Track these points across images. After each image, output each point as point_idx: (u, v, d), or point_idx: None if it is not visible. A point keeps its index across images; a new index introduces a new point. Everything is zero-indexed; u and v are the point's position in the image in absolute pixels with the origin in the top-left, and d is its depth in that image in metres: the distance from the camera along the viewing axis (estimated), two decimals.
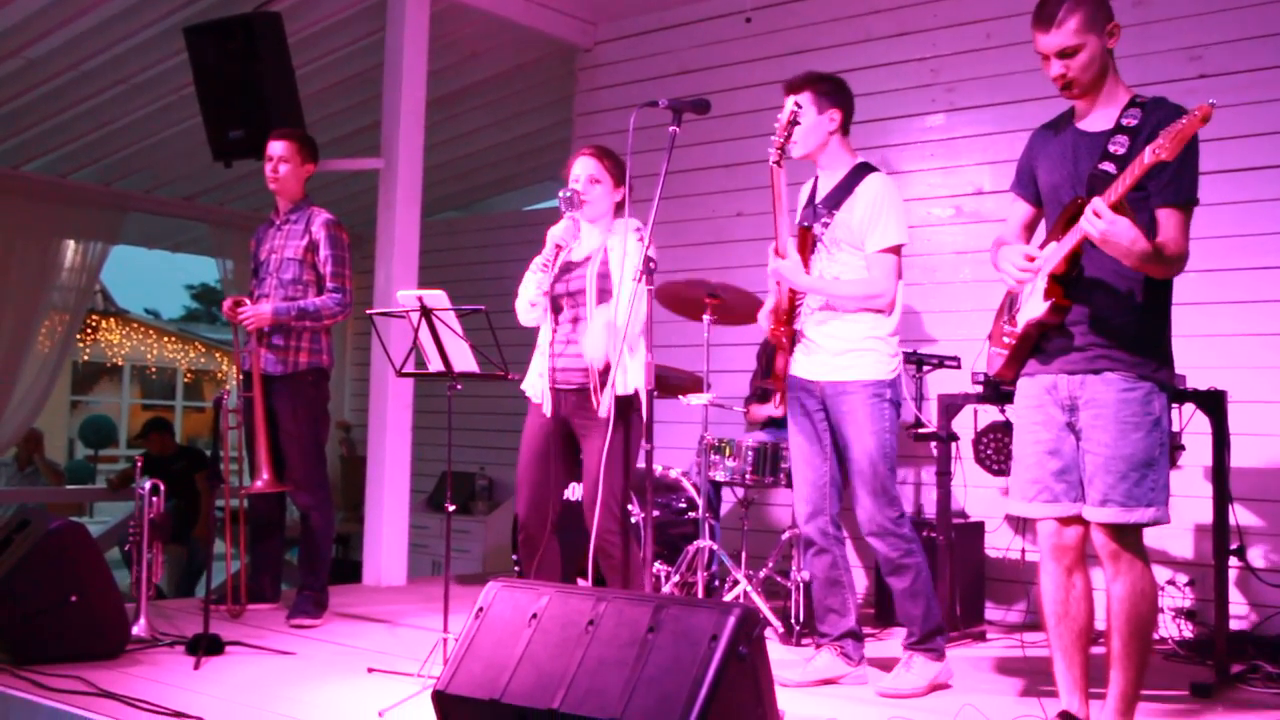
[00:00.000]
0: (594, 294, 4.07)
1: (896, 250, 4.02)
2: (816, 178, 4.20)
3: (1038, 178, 3.32)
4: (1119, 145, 3.07)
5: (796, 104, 3.93)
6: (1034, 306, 3.14)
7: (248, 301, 5.13)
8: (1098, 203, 2.88)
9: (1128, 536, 3.09)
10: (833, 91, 4.11)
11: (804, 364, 4.12)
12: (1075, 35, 3.06)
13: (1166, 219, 3.03)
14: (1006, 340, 3.28)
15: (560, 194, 4.10)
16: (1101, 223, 2.87)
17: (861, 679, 4.12)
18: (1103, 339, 3.10)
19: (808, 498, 4.14)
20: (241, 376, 5.16)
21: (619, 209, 4.26)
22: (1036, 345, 3.22)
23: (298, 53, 6.45)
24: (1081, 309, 3.11)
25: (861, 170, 4.09)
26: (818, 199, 4.13)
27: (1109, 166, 3.05)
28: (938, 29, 6.13)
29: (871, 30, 6.33)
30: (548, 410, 4.16)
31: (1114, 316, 3.10)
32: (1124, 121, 3.10)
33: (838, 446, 4.09)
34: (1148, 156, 2.80)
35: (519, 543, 4.39)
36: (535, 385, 4.22)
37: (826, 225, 4.04)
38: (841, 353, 4.01)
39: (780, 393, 4.26)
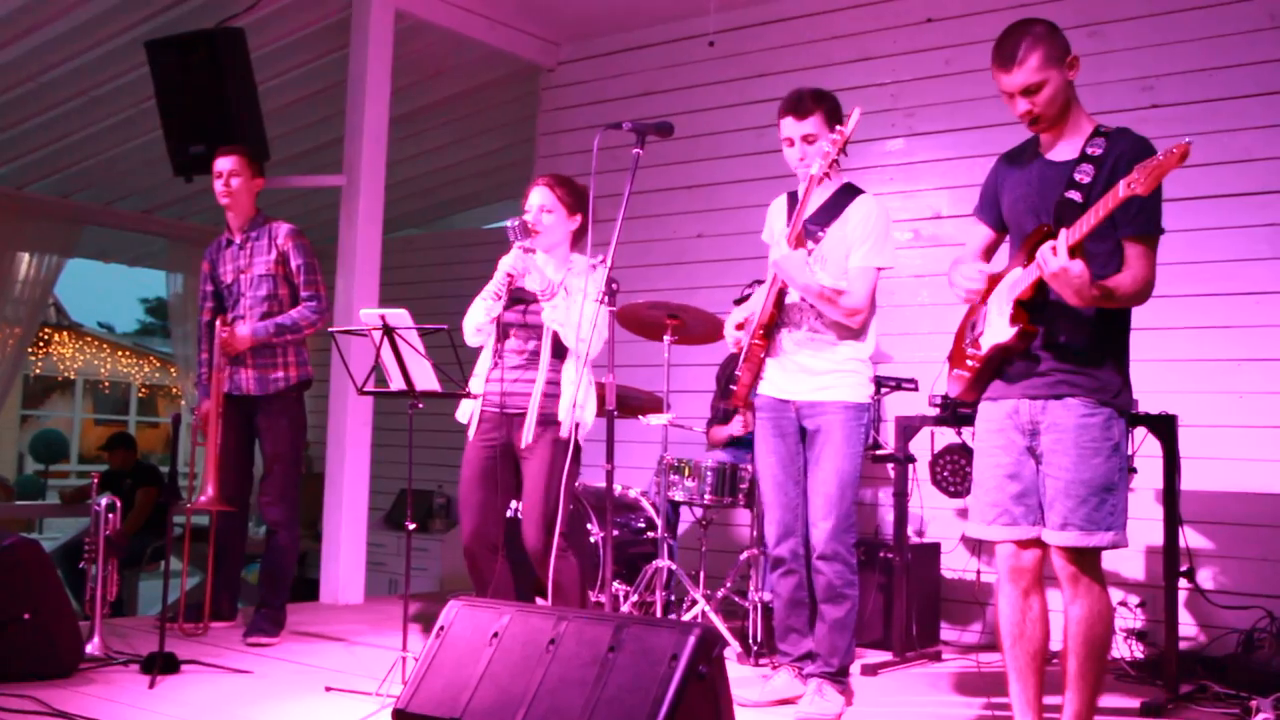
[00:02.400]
0: (550, 334, 4.20)
1: (877, 271, 4.00)
2: (794, 193, 4.13)
3: (1002, 204, 3.36)
4: (1084, 174, 3.11)
5: (842, 128, 3.84)
6: (999, 331, 3.19)
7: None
8: (1058, 241, 2.93)
9: (1087, 560, 3.14)
10: (838, 110, 4.03)
11: (779, 382, 4.06)
12: (1037, 72, 3.10)
13: (1132, 250, 3.08)
14: (970, 363, 3.32)
15: (509, 224, 4.19)
16: (1056, 261, 2.92)
17: None
18: (1065, 364, 3.14)
19: (780, 519, 4.08)
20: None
21: (578, 236, 4.37)
22: (999, 369, 3.27)
23: (260, 68, 6.44)
24: (1047, 333, 3.15)
25: (851, 190, 4.07)
26: (806, 215, 4.02)
27: (1075, 195, 3.10)
28: (898, 55, 6.21)
29: (832, 55, 6.40)
30: (472, 433, 4.29)
31: (1076, 342, 3.14)
32: (1089, 151, 3.14)
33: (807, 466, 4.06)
34: (1121, 190, 2.84)
35: (467, 566, 4.41)
36: (469, 408, 4.32)
37: (818, 241, 3.98)
38: (823, 373, 3.97)
39: (742, 407, 4.25)
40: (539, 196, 4.32)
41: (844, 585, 3.98)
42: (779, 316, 4.06)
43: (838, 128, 3.84)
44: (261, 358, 5.07)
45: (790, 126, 4.00)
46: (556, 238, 4.32)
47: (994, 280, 3.30)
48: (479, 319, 4.27)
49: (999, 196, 3.38)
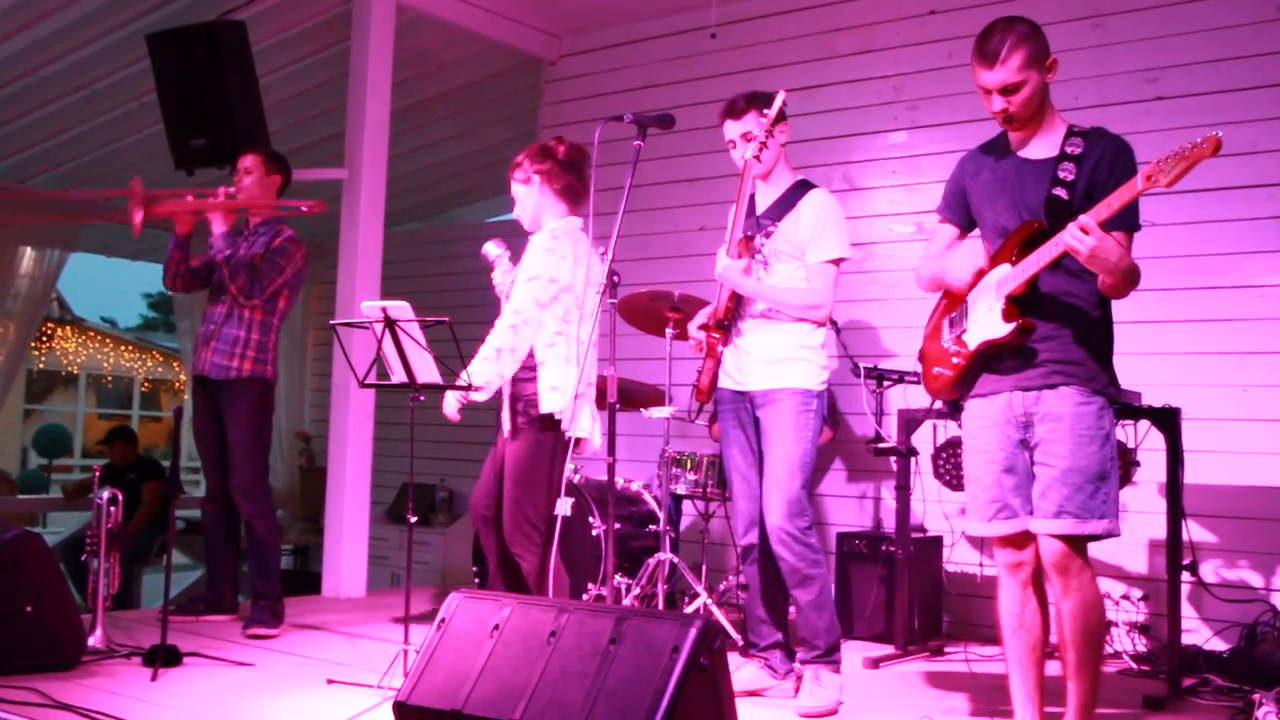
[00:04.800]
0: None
1: (837, 263, 4.06)
2: (753, 194, 4.19)
3: (971, 202, 3.38)
4: (1067, 172, 3.14)
5: (784, 104, 3.91)
6: (992, 327, 3.18)
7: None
8: (1087, 220, 2.91)
9: (1079, 549, 3.14)
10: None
11: (735, 374, 4.12)
12: (1018, 72, 3.12)
13: (1122, 241, 3.09)
14: (955, 361, 3.31)
15: (486, 255, 4.30)
16: (1090, 239, 2.90)
17: (788, 692, 4.12)
18: (1057, 356, 3.15)
19: (744, 511, 4.14)
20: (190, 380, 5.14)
21: (557, 190, 4.28)
22: (986, 364, 3.26)
23: (262, 61, 6.43)
24: (1038, 326, 3.15)
25: (804, 185, 4.13)
26: (759, 211, 4.15)
27: (1061, 192, 3.13)
28: (900, 47, 6.20)
29: (835, 48, 6.39)
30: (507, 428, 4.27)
31: (1068, 334, 3.15)
32: (1068, 149, 3.17)
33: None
34: (1141, 183, 2.83)
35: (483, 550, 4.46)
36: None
37: (769, 236, 4.06)
38: (773, 361, 4.03)
39: (706, 403, 4.27)
40: (514, 189, 4.36)
41: (807, 566, 3.98)
42: (735, 310, 4.13)
43: (765, 112, 3.92)
44: (222, 343, 5.07)
45: (729, 129, 4.12)
46: (529, 214, 4.32)
47: (976, 276, 3.30)
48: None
49: (967, 195, 3.40)
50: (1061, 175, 3.14)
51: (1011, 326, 3.13)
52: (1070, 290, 3.15)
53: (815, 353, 4.06)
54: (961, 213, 3.43)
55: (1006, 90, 3.14)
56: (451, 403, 4.14)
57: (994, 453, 3.23)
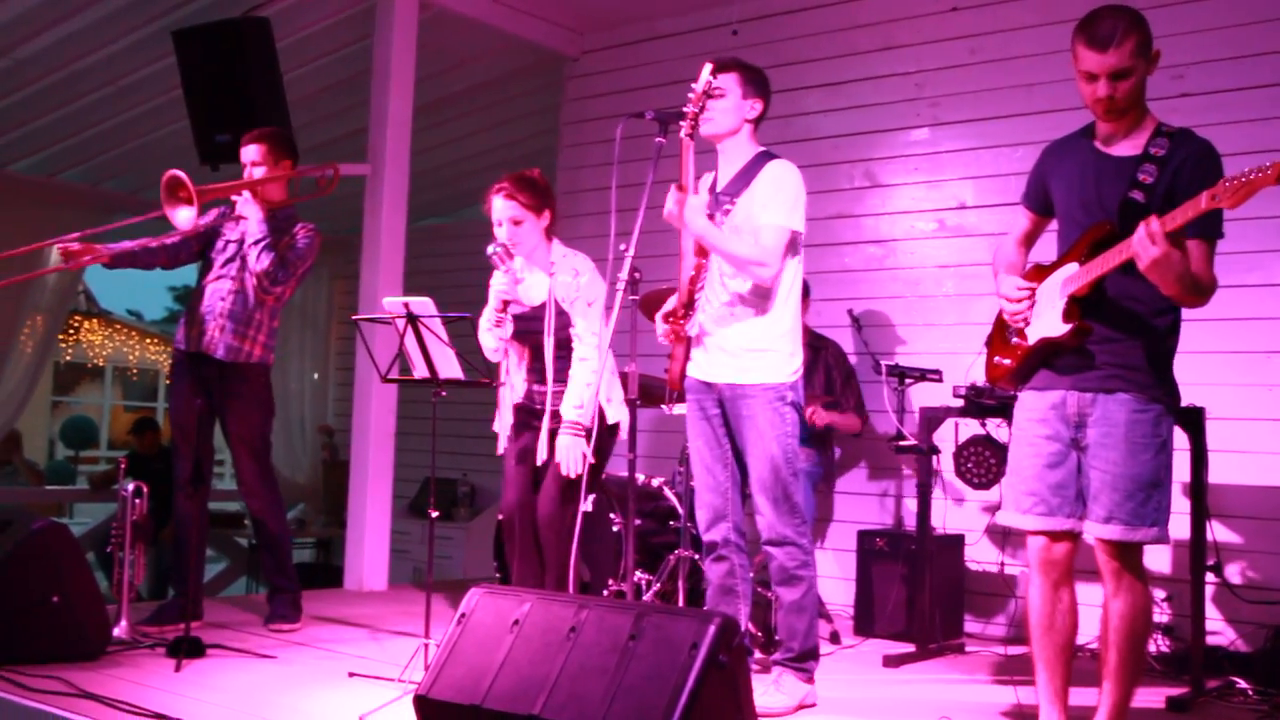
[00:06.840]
0: (551, 344, 4.29)
1: (791, 234, 3.87)
2: (716, 170, 4.09)
3: (1051, 194, 3.34)
4: (1147, 174, 3.08)
5: (712, 77, 3.77)
6: (1051, 325, 3.17)
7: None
8: (1155, 228, 2.87)
9: (1130, 555, 3.13)
10: (759, 81, 4.01)
11: (702, 364, 4.00)
12: (1131, 57, 3.05)
13: (1198, 249, 3.06)
14: (1016, 352, 3.30)
15: (488, 251, 4.20)
16: (1155, 250, 2.88)
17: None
18: (1119, 360, 3.12)
19: (709, 504, 4.03)
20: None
21: (551, 227, 4.41)
22: (1045, 360, 3.24)
23: (286, 58, 6.46)
24: (1100, 329, 3.13)
25: (764, 157, 3.98)
26: (719, 188, 4.02)
27: (1138, 195, 3.08)
28: (922, 44, 6.17)
29: (856, 44, 6.37)
30: (502, 446, 4.45)
31: (1132, 338, 3.12)
32: (1152, 150, 3.11)
33: (737, 451, 4.00)
34: (1204, 202, 2.80)
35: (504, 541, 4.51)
36: (504, 421, 4.47)
37: (728, 212, 3.93)
38: (740, 353, 3.90)
39: (678, 394, 4.16)
40: (504, 209, 4.29)
41: (797, 567, 3.92)
42: (696, 291, 4.02)
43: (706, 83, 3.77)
44: (235, 323, 4.86)
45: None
46: (533, 243, 4.36)
47: (1043, 272, 3.29)
48: (490, 344, 4.34)
49: (1048, 185, 3.35)
50: (1140, 178, 3.09)
51: (1069, 327, 3.12)
52: (1137, 295, 3.10)
53: (784, 341, 3.91)
54: (1040, 201, 3.39)
55: (1117, 75, 3.06)
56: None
57: (1040, 446, 3.21)
